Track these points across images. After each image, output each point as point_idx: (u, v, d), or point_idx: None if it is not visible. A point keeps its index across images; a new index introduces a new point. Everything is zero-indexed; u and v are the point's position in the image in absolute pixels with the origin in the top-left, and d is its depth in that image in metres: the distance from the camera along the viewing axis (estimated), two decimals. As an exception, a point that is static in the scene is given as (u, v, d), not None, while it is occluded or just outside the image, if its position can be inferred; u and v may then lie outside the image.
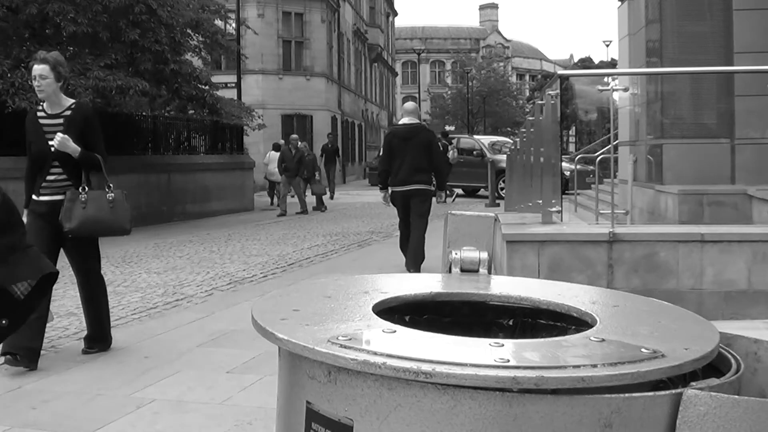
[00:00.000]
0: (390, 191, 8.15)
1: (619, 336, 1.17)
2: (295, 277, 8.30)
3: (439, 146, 9.13)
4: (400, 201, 8.06)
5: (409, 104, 8.68)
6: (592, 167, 12.72)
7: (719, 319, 4.75)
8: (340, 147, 36.32)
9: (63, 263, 4.71)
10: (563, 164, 8.95)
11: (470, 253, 1.66)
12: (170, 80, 14.86)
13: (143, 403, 4.01)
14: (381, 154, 8.96)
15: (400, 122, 8.65)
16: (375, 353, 1.05)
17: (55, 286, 6.80)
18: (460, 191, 22.85)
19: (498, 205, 18.62)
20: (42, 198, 4.77)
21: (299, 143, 17.69)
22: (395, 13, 61.21)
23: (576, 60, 77.27)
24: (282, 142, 30.23)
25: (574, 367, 1.01)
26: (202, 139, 18.86)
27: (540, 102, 6.75)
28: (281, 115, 33.27)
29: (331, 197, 22.38)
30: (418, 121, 8.42)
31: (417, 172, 7.94)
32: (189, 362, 4.85)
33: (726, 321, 4.81)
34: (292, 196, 21.19)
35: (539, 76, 69.72)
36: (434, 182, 8.40)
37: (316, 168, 18.79)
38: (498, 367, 1.00)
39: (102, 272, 5.19)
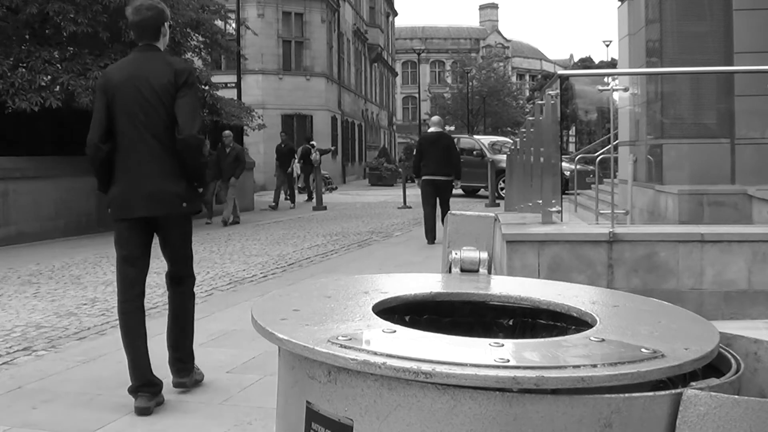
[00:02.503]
0: (422, 179, 11.21)
1: (619, 336, 1.17)
2: (295, 277, 8.30)
3: (456, 148, 12.33)
4: (432, 187, 11.08)
5: (435, 117, 12.20)
6: (592, 167, 12.72)
7: (719, 319, 4.75)
8: (339, 147, 36.41)
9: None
10: (563, 164, 8.99)
11: (470, 253, 1.66)
12: (170, 80, 14.82)
13: (143, 403, 4.00)
14: (414, 153, 12.29)
15: (429, 130, 11.92)
16: (375, 353, 1.05)
17: (54, 287, 6.81)
18: None
19: (498, 205, 18.63)
20: None
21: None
22: (395, 13, 61.21)
23: (576, 60, 77.25)
24: (314, 142, 29.81)
25: (574, 367, 1.01)
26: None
27: (540, 102, 6.75)
28: (281, 115, 33.29)
29: (278, 204, 19.81)
30: (441, 129, 11.76)
31: (443, 167, 11.03)
32: (189, 362, 4.84)
33: (726, 321, 4.81)
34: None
35: (539, 76, 69.67)
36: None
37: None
38: (498, 367, 1.00)
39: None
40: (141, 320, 3.90)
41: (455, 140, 24.14)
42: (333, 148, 35.38)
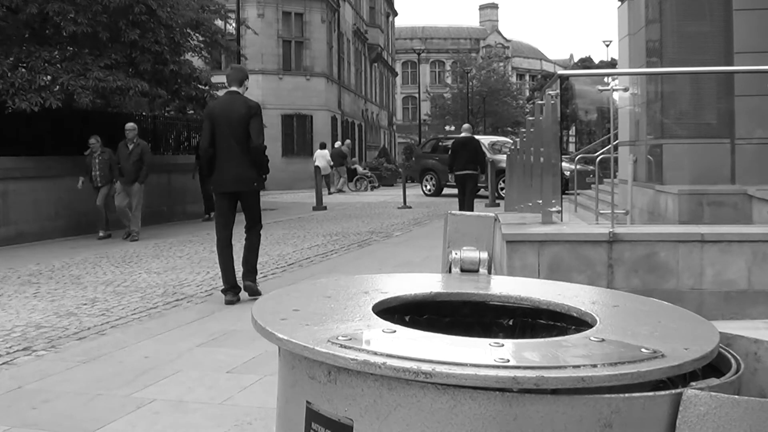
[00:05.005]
0: (454, 174, 14.73)
1: (619, 336, 1.17)
2: (295, 277, 8.30)
3: (483, 149, 15.75)
4: (461, 180, 14.53)
5: (466, 125, 16.00)
6: (592, 167, 12.72)
7: (719, 319, 4.75)
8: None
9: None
10: (563, 164, 9.00)
11: (470, 253, 1.66)
12: (170, 81, 14.85)
13: (143, 403, 4.01)
14: (450, 154, 15.39)
15: (460, 135, 15.46)
16: (375, 353, 1.05)
17: (54, 287, 6.81)
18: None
19: (498, 205, 18.64)
20: None
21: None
22: (395, 13, 61.18)
23: (576, 60, 77.23)
24: (339, 142, 29.55)
25: (574, 367, 1.01)
26: (202, 139, 18.76)
27: (540, 102, 6.75)
28: (281, 115, 33.26)
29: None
30: (470, 134, 15.20)
31: (470, 164, 14.40)
32: (189, 362, 4.85)
33: (726, 321, 4.81)
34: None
35: (539, 76, 69.66)
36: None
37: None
38: (498, 367, 1.00)
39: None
40: (230, 250, 6.71)
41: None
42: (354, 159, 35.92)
